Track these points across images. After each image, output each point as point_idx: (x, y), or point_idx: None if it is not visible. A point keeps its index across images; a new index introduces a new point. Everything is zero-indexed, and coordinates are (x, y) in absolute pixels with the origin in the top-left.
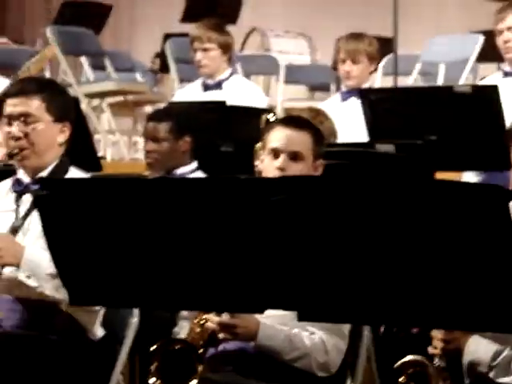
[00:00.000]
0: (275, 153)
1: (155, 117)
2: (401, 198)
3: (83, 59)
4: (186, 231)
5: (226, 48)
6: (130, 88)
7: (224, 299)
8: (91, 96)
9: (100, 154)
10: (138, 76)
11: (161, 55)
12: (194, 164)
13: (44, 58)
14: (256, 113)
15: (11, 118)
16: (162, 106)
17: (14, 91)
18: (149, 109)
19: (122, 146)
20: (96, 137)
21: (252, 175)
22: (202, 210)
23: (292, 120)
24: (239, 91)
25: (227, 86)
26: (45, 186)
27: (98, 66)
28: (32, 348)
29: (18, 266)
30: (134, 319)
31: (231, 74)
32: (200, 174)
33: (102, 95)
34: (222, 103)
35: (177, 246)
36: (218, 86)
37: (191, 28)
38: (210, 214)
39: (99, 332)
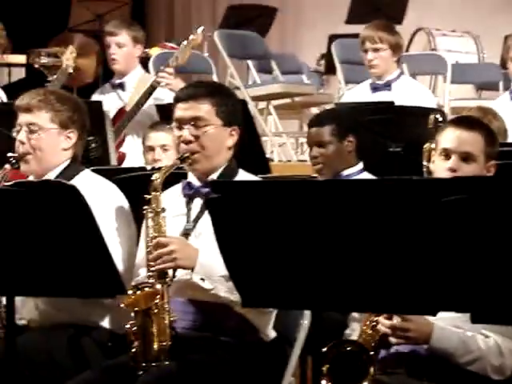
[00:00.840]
0: (446, 153)
1: (317, 122)
2: None
3: (250, 62)
4: (357, 233)
5: (397, 48)
6: (297, 90)
7: (396, 301)
8: (258, 99)
9: (267, 155)
10: (305, 78)
11: (326, 56)
12: (360, 165)
13: (192, 44)
14: (424, 113)
15: (182, 122)
16: (328, 107)
17: (185, 95)
18: (315, 110)
19: (288, 148)
20: (263, 139)
21: (420, 176)
22: (374, 212)
23: (463, 120)
24: (408, 92)
25: (396, 87)
26: (215, 188)
27: (264, 69)
28: (205, 349)
29: (192, 268)
30: (305, 321)
31: (399, 75)
32: (367, 175)
33: (269, 98)
34: (391, 103)
35: (348, 248)
36: (387, 86)
37: (360, 29)
38: (382, 216)
39: (271, 333)
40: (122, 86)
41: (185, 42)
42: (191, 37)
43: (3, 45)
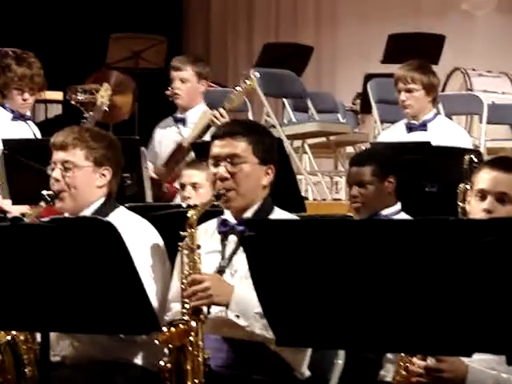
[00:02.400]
0: (482, 194)
1: (357, 161)
2: None
3: (285, 100)
4: (393, 273)
5: (431, 89)
6: (333, 129)
7: (431, 342)
8: (293, 137)
9: (302, 194)
10: (340, 117)
11: (362, 96)
12: (398, 205)
13: (247, 90)
14: (460, 153)
15: (218, 159)
16: (363, 146)
17: (222, 133)
18: (350, 149)
19: (323, 187)
20: (298, 177)
21: (455, 216)
22: (411, 252)
23: (500, 161)
24: (444, 132)
25: (432, 127)
26: (251, 226)
27: (299, 108)
28: None
29: (226, 305)
30: (340, 361)
31: (436, 115)
32: (404, 216)
33: (304, 136)
34: (427, 143)
35: (383, 288)
36: (423, 126)
37: (394, 68)
38: (419, 256)
39: (306, 372)
40: (183, 121)
41: (238, 88)
42: (248, 82)
43: (41, 83)
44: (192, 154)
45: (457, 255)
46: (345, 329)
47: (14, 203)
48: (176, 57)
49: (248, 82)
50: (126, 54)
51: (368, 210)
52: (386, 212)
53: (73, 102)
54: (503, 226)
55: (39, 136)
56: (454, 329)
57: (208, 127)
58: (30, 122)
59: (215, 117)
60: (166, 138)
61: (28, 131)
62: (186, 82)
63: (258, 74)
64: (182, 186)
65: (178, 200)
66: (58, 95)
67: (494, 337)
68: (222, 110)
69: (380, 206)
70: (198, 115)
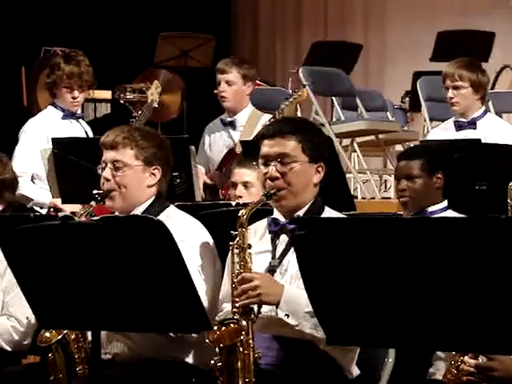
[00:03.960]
0: None
1: (407, 155)
2: None
3: (334, 99)
4: (444, 271)
5: (478, 86)
6: (382, 127)
7: (482, 340)
8: (342, 135)
9: (351, 192)
10: (389, 115)
11: (411, 93)
12: (445, 202)
13: (298, 100)
14: (510, 151)
15: (268, 159)
16: (412, 144)
17: (271, 132)
18: (399, 148)
19: (372, 185)
20: (347, 176)
21: (506, 214)
22: (461, 250)
23: None
24: (493, 130)
25: (481, 125)
26: (302, 225)
27: (348, 106)
28: None
29: (277, 304)
30: (390, 359)
31: (485, 113)
32: (451, 213)
33: (353, 134)
34: (477, 141)
35: (434, 286)
36: (472, 124)
37: (443, 66)
38: (469, 254)
39: (355, 371)
40: (232, 125)
41: (291, 99)
42: (298, 92)
43: (90, 81)
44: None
45: (508, 253)
46: (395, 327)
47: (63, 202)
48: (222, 59)
49: (299, 92)
50: (174, 52)
51: (415, 205)
52: (432, 209)
53: (121, 101)
54: None
55: (91, 134)
56: (507, 327)
57: None
58: (81, 121)
59: None
60: (216, 143)
61: (79, 129)
62: (232, 84)
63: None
64: (234, 185)
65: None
66: (106, 94)
67: None
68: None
69: (427, 201)
70: (246, 118)
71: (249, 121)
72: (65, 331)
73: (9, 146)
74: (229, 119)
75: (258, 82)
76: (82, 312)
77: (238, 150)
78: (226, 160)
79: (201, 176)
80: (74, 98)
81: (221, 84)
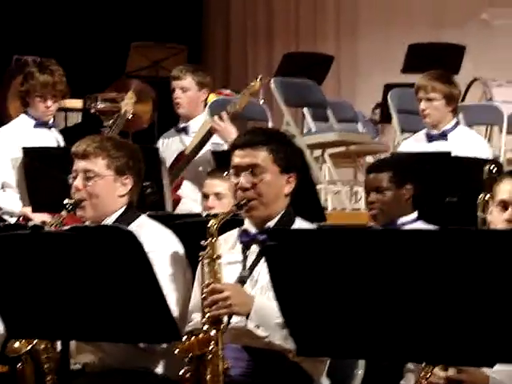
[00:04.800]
0: (504, 205)
1: (375, 168)
2: None
3: (305, 110)
4: (414, 283)
5: (451, 99)
6: (353, 139)
7: (452, 352)
8: (313, 147)
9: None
10: (360, 126)
11: (382, 105)
12: (415, 213)
13: (251, 91)
14: (480, 163)
15: (239, 169)
16: (383, 156)
17: (242, 143)
18: (370, 159)
19: (343, 196)
20: (317, 187)
21: (475, 226)
22: (431, 262)
23: None
24: (464, 142)
25: (452, 137)
26: (272, 236)
27: (319, 117)
28: None
29: (246, 315)
30: (360, 370)
31: (456, 125)
32: (421, 224)
33: (324, 146)
34: (447, 154)
35: (402, 298)
36: (443, 136)
37: (414, 78)
38: (439, 265)
39: (325, 382)
40: (185, 130)
41: (244, 90)
42: (251, 84)
43: (63, 91)
44: (194, 162)
45: (478, 266)
46: (365, 338)
47: (34, 211)
48: (176, 67)
49: (252, 83)
50: (146, 62)
51: (385, 217)
52: (402, 220)
53: (92, 111)
54: None
55: (62, 143)
56: (476, 339)
57: (209, 135)
58: (53, 130)
59: (214, 122)
60: (169, 148)
61: (51, 139)
62: (186, 91)
63: (260, 77)
64: (205, 196)
65: (181, 207)
66: (77, 103)
67: None
68: (222, 113)
69: (397, 213)
70: (199, 124)
71: (201, 127)
72: (34, 341)
73: None
74: (183, 125)
75: (227, 92)
76: (52, 322)
77: (187, 152)
78: (175, 162)
79: None
80: (47, 107)
81: (175, 91)
